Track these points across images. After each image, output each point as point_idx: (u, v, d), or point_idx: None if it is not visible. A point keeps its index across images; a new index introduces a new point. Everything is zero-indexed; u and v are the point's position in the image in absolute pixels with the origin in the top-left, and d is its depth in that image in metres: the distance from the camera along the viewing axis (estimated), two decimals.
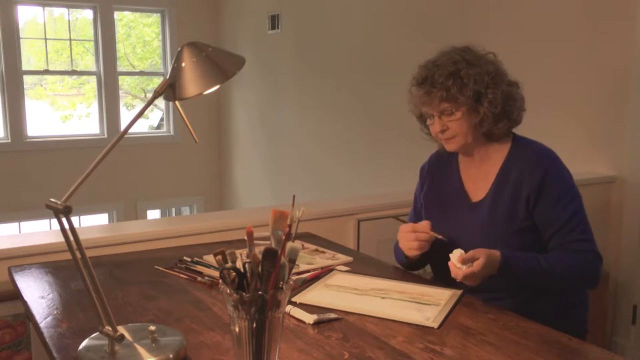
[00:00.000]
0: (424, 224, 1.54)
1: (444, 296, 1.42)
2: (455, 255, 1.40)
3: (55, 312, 1.29)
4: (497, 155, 1.59)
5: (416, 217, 1.75)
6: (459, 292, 1.45)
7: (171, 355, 1.05)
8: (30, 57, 6.28)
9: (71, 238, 1.02)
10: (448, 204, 1.64)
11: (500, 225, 1.53)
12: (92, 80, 6.32)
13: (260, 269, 0.94)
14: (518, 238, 1.51)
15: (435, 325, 1.25)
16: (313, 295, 1.42)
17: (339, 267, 1.64)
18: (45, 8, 6.18)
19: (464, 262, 1.37)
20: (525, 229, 1.51)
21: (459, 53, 1.55)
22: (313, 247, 1.82)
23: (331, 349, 1.14)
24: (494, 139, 1.58)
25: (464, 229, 1.57)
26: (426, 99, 1.54)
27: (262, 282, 0.94)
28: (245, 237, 0.97)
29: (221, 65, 1.14)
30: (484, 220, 1.55)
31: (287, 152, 5.42)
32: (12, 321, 1.77)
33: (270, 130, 5.65)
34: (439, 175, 1.71)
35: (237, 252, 0.96)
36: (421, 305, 1.36)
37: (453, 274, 1.40)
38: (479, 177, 1.61)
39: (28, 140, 5.88)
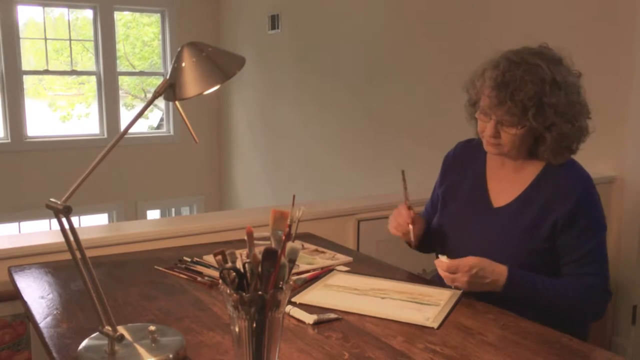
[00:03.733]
0: (406, 216, 1.54)
1: (443, 296, 1.42)
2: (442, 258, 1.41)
3: (55, 312, 1.29)
4: (531, 167, 1.51)
5: (432, 208, 1.71)
6: (458, 292, 1.45)
7: (171, 355, 1.05)
8: (30, 57, 6.28)
9: (71, 238, 1.02)
10: (467, 202, 1.58)
11: (519, 239, 1.47)
12: (92, 80, 6.32)
13: (260, 269, 0.94)
14: (533, 257, 1.45)
15: (435, 325, 1.25)
16: (313, 295, 1.42)
17: (338, 267, 1.64)
18: (45, 8, 6.18)
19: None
20: (543, 250, 1.45)
21: (549, 66, 1.40)
22: (313, 247, 1.82)
23: (331, 349, 1.14)
24: (538, 157, 1.49)
25: (480, 233, 1.52)
26: (494, 104, 1.41)
27: (262, 282, 0.94)
28: (245, 237, 0.97)
29: (221, 65, 1.14)
30: (505, 229, 1.49)
31: (287, 152, 5.42)
32: (12, 321, 1.77)
33: (270, 130, 5.65)
34: (463, 167, 1.63)
35: (237, 252, 0.96)
36: (421, 306, 1.36)
37: (440, 269, 1.40)
38: (505, 182, 1.54)
39: (28, 140, 5.88)
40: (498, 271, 1.39)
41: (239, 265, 0.95)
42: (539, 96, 1.38)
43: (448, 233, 1.60)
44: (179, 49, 1.14)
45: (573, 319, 1.49)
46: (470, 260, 1.37)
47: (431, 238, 1.68)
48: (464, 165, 1.64)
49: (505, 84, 1.39)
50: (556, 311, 1.43)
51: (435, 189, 1.73)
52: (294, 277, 1.44)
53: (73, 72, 6.49)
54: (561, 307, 1.44)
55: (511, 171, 1.54)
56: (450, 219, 1.61)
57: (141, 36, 6.88)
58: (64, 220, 1.01)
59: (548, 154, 1.46)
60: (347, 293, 1.44)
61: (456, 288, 1.41)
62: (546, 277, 1.44)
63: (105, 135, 6.14)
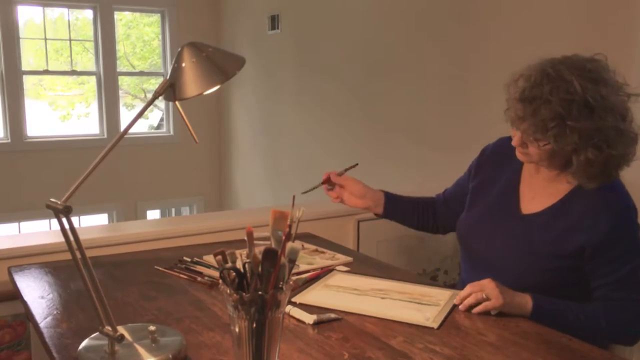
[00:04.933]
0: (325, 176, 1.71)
1: (444, 296, 1.42)
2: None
3: (55, 312, 1.29)
4: (567, 179, 1.43)
5: (456, 192, 1.71)
6: (459, 292, 1.45)
7: (171, 356, 1.05)
8: (30, 57, 6.28)
9: (71, 238, 1.02)
10: (495, 203, 1.55)
11: (541, 252, 1.42)
12: (92, 80, 6.32)
13: (260, 269, 0.94)
14: (554, 273, 1.40)
15: (435, 325, 1.25)
16: (313, 295, 1.42)
17: (339, 268, 1.63)
18: (45, 8, 6.18)
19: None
20: (565, 268, 1.40)
21: (585, 85, 1.30)
22: (313, 247, 1.82)
23: (331, 349, 1.14)
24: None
25: (503, 237, 1.49)
26: (518, 116, 1.36)
27: (262, 282, 0.94)
28: (245, 237, 0.97)
29: (221, 65, 1.14)
30: (528, 238, 1.45)
31: (287, 152, 5.43)
32: (12, 321, 1.77)
33: (270, 130, 5.65)
34: (500, 164, 1.59)
35: (237, 252, 0.96)
36: (421, 306, 1.36)
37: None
38: (538, 190, 1.49)
39: (28, 140, 5.88)
40: (522, 295, 1.33)
41: (239, 265, 0.95)
42: (562, 118, 1.30)
43: (473, 231, 1.58)
44: (179, 49, 1.14)
45: (605, 344, 1.43)
46: (487, 279, 1.33)
47: (444, 221, 1.73)
48: (501, 162, 1.59)
49: (529, 100, 1.33)
50: (586, 338, 1.32)
51: (465, 178, 1.69)
52: (294, 277, 1.44)
53: (73, 72, 6.49)
54: (592, 334, 1.35)
55: (545, 180, 1.48)
56: (477, 217, 1.59)
57: (141, 36, 6.88)
58: (64, 220, 1.01)
59: (577, 177, 1.38)
60: (347, 293, 1.44)
61: (486, 300, 1.30)
62: (574, 302, 1.38)
63: (105, 135, 6.14)
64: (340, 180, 1.75)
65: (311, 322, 1.25)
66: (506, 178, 1.57)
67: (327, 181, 1.75)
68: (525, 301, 1.32)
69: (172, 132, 6.55)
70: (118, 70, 6.24)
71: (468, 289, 1.34)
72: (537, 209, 1.47)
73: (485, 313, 1.32)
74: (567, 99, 1.30)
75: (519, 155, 1.46)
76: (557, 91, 1.31)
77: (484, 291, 1.31)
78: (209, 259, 1.62)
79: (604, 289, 1.39)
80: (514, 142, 1.43)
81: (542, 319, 1.31)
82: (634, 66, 2.71)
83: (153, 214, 6.58)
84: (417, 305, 1.37)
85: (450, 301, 1.39)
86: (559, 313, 1.35)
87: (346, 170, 1.75)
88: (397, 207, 1.78)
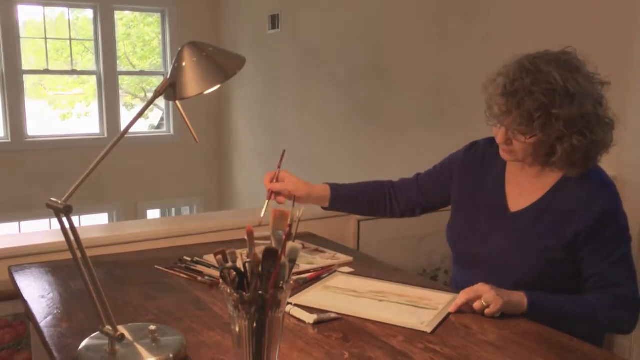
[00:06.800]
0: (268, 178, 1.71)
1: (442, 300, 1.41)
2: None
3: (56, 311, 1.29)
4: (552, 173, 1.47)
5: (431, 178, 1.70)
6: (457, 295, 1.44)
7: (171, 355, 1.05)
8: (31, 56, 6.28)
9: (71, 238, 1.02)
10: (483, 206, 1.55)
11: (534, 246, 1.43)
12: (92, 80, 6.32)
13: (260, 268, 0.94)
14: (549, 266, 1.42)
15: (429, 330, 1.24)
16: (310, 296, 1.42)
17: (341, 269, 1.63)
18: (46, 7, 6.18)
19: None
20: (560, 260, 1.42)
21: (563, 75, 1.34)
22: (313, 247, 1.82)
23: (331, 349, 1.14)
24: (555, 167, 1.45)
25: (495, 238, 1.49)
26: (502, 112, 1.38)
27: (263, 282, 0.94)
28: (246, 237, 0.97)
29: (221, 65, 1.14)
30: (520, 235, 1.46)
31: (287, 152, 5.42)
32: (12, 321, 1.77)
33: (270, 130, 5.65)
34: (483, 168, 1.60)
35: (238, 252, 0.96)
36: (418, 309, 1.35)
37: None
38: (524, 187, 1.50)
39: (28, 140, 5.88)
40: (517, 293, 1.34)
41: (239, 264, 0.95)
42: (547, 107, 1.33)
43: (465, 236, 1.58)
44: (179, 49, 1.14)
45: (603, 333, 1.44)
46: (479, 284, 1.34)
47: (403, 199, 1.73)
48: (484, 166, 1.60)
49: (512, 93, 1.36)
50: (584, 329, 1.36)
51: (444, 166, 1.68)
52: (295, 277, 1.44)
53: (73, 72, 6.49)
54: (589, 325, 1.39)
55: (531, 176, 1.50)
56: (467, 222, 1.59)
57: (142, 36, 6.88)
58: (64, 219, 1.01)
59: (561, 165, 1.41)
60: (344, 295, 1.43)
61: (487, 305, 1.30)
62: (568, 295, 1.40)
63: (106, 135, 6.14)
64: (280, 177, 1.74)
65: (311, 322, 1.25)
66: (491, 180, 1.57)
67: (272, 193, 1.69)
68: (520, 298, 1.34)
69: (172, 132, 6.56)
70: (118, 69, 6.25)
71: (463, 296, 1.33)
72: (524, 205, 1.49)
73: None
74: (549, 89, 1.33)
75: (503, 154, 1.47)
76: (538, 82, 1.34)
77: (481, 297, 1.31)
78: (210, 258, 1.62)
79: (597, 278, 1.41)
80: (498, 140, 1.44)
81: (538, 314, 1.32)
82: (634, 66, 2.71)
83: (153, 214, 6.58)
84: (414, 308, 1.36)
85: (449, 305, 1.38)
86: (555, 306, 1.37)
87: (281, 161, 1.75)
88: (343, 200, 1.78)
